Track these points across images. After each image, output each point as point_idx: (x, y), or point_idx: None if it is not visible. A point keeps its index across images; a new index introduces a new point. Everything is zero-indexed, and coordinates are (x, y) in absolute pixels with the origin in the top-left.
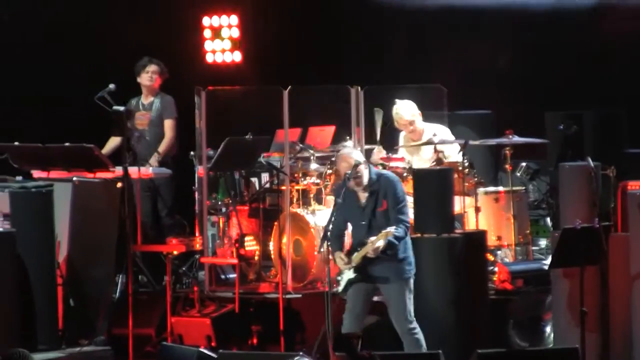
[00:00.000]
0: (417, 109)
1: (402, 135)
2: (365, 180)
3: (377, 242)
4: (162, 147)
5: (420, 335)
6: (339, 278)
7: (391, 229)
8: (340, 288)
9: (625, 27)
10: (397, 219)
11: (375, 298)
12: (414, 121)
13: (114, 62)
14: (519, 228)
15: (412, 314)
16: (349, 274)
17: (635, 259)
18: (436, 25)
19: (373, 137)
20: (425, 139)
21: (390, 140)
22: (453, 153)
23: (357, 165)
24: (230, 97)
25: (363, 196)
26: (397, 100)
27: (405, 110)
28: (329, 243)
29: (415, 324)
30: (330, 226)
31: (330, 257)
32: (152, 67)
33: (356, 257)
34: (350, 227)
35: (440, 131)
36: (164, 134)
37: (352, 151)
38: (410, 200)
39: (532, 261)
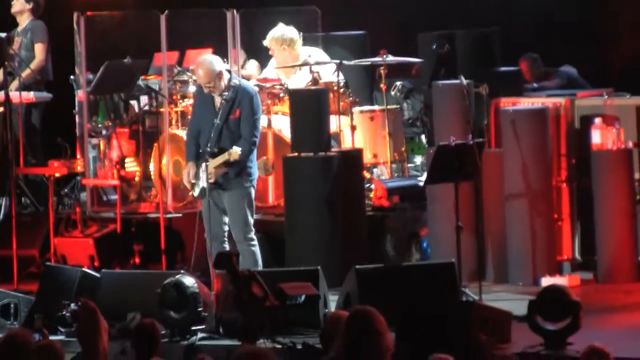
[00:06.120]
0: (285, 36)
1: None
2: (222, 86)
3: (217, 162)
4: (33, 65)
5: (256, 249)
6: (193, 181)
7: (235, 152)
8: (196, 192)
9: None
10: (250, 131)
11: None
12: (271, 48)
13: None
14: (394, 146)
15: (252, 224)
16: (203, 182)
17: (509, 174)
18: None
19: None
20: (301, 61)
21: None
22: (328, 74)
23: (214, 72)
24: (108, 22)
25: (218, 101)
26: (280, 24)
27: (269, 34)
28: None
29: (253, 236)
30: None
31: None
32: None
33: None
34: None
35: (315, 53)
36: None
37: (212, 59)
38: (287, 120)
39: (408, 178)
